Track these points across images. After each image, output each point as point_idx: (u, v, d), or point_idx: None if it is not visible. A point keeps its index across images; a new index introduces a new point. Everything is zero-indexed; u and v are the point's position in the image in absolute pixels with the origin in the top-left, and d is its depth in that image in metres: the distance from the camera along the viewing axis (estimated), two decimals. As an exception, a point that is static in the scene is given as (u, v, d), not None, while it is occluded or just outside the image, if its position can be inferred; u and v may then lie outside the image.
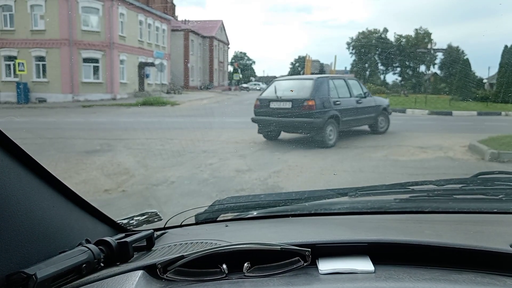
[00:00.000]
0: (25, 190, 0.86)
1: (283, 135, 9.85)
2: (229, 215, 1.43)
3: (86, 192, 5.08)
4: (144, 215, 1.33)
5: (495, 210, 1.38)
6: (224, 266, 0.88)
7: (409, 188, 1.53)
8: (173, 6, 38.63)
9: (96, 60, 23.97)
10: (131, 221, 1.28)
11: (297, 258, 0.89)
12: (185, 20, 37.29)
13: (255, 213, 1.42)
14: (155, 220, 1.34)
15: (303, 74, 31.39)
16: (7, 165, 0.84)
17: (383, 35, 52.68)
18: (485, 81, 32.49)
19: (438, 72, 46.13)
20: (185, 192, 5.24)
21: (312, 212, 1.41)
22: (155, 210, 1.37)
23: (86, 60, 23.73)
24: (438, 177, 1.63)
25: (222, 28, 42.91)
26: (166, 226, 1.35)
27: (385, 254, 0.92)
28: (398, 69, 52.82)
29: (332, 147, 8.62)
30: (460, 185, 1.59)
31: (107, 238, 0.99)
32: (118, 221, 1.21)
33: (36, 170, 0.91)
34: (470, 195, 1.53)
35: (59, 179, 0.97)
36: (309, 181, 5.86)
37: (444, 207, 1.42)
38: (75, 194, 1.02)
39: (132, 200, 4.95)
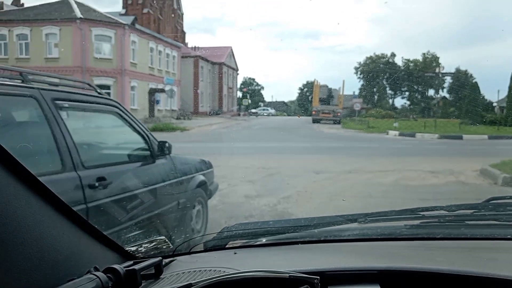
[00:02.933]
0: (35, 217, 0.87)
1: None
2: (238, 242, 1.42)
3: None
4: (152, 242, 1.33)
5: (509, 236, 1.35)
6: (233, 294, 0.87)
7: (420, 214, 1.50)
8: (183, 34, 39.51)
9: (107, 87, 24.40)
10: (140, 248, 1.28)
11: (306, 286, 0.88)
12: (195, 47, 38.04)
13: (264, 240, 1.41)
14: (164, 247, 1.34)
15: (312, 99, 31.56)
16: (18, 192, 0.85)
17: (390, 60, 53.15)
18: (495, 104, 32.38)
19: (447, 96, 46.22)
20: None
21: (322, 239, 1.39)
22: (164, 237, 1.37)
23: (98, 86, 24.08)
24: (449, 202, 1.60)
25: (231, 54, 43.63)
26: (174, 253, 1.35)
27: (396, 282, 0.91)
28: (407, 93, 53.00)
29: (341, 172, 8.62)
30: (472, 211, 1.56)
31: (116, 266, 0.98)
32: (127, 248, 1.21)
33: (46, 196, 0.92)
34: (482, 221, 1.50)
35: (69, 205, 0.97)
36: (319, 207, 5.81)
37: (455, 233, 1.39)
38: (84, 221, 1.02)
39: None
